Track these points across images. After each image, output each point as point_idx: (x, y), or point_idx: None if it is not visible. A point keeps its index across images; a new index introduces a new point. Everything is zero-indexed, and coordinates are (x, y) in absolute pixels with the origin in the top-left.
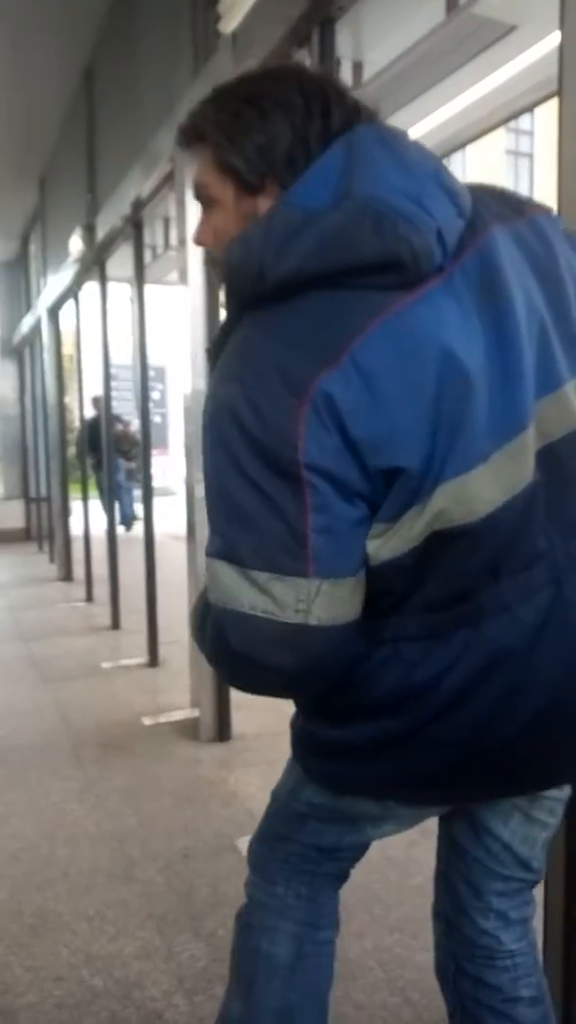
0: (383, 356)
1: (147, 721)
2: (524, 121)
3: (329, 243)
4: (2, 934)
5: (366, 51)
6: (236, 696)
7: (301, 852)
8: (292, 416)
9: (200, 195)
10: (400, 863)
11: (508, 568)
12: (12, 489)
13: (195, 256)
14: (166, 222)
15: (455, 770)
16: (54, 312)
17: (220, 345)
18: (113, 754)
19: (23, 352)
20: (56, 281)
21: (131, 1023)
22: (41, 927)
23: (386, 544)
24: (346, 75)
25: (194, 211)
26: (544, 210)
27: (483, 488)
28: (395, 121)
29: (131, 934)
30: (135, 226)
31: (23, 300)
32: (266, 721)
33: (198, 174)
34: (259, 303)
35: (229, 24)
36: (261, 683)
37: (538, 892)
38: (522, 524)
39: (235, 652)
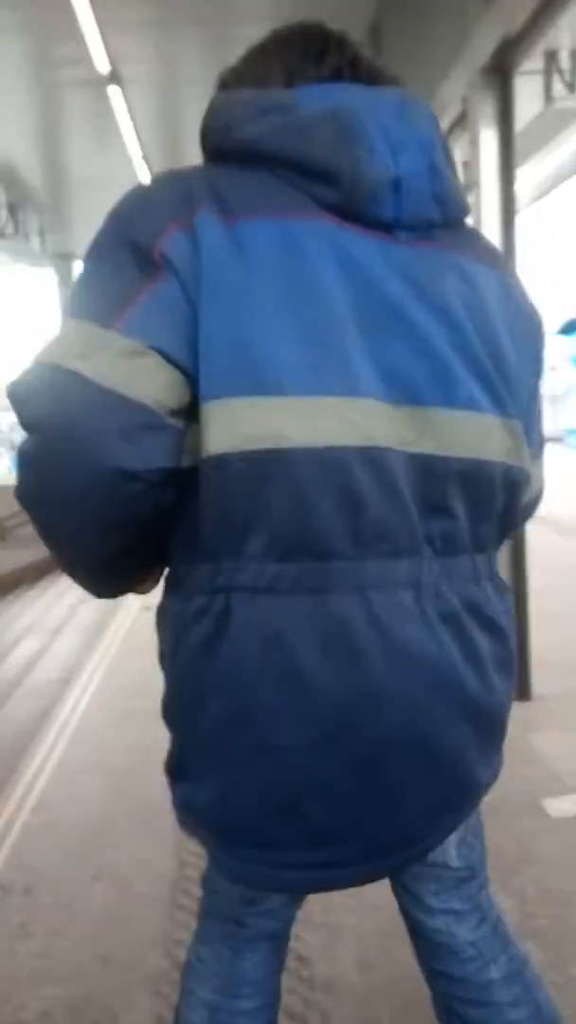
0: (267, 244)
1: None
2: None
3: (291, 129)
4: None
5: None
6: (536, 655)
7: (226, 899)
8: (167, 220)
9: None
10: None
11: (373, 546)
12: None
13: (490, 197)
14: None
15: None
16: None
17: None
18: None
19: None
20: None
21: None
22: None
23: (193, 438)
24: None
25: (488, 152)
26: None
27: (286, 421)
28: None
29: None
30: None
31: None
32: (570, 684)
33: None
34: (219, 160)
35: None
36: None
37: None
38: (381, 499)
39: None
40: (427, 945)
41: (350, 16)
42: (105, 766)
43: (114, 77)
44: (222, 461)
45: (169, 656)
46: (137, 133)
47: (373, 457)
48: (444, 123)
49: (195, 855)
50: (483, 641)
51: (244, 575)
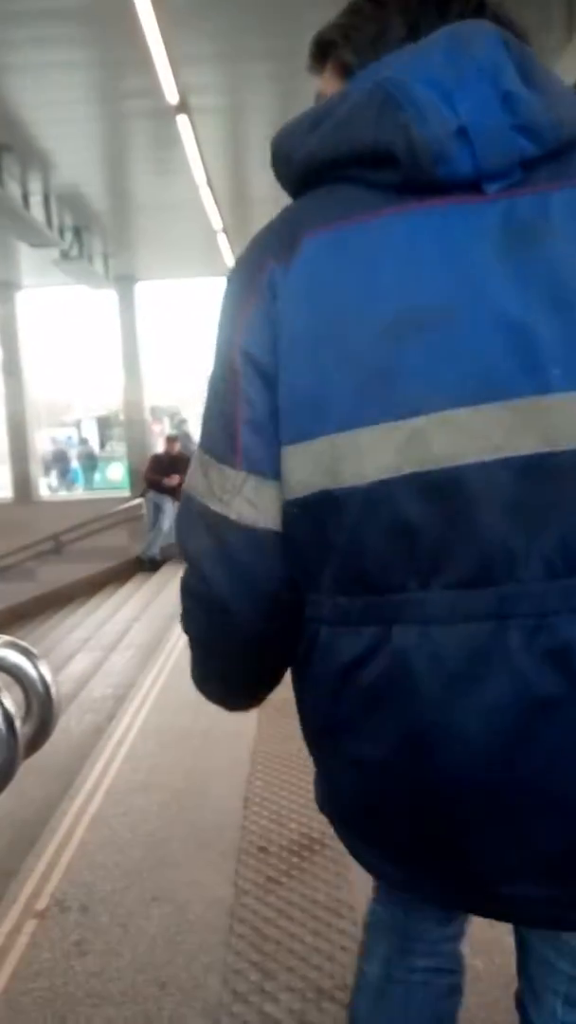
0: (335, 259)
1: None
2: None
3: (339, 126)
4: None
5: None
6: None
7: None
8: (246, 296)
9: None
10: None
11: (443, 575)
12: None
13: None
14: None
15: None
16: None
17: None
18: None
19: None
20: None
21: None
22: None
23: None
24: None
25: None
26: None
27: (328, 461)
28: None
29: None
30: None
31: None
32: None
33: (321, 91)
34: (297, 193)
35: None
36: (194, 600)
37: None
38: (436, 525)
39: (177, 532)
40: None
41: None
42: (160, 785)
43: (182, 107)
44: (289, 506)
45: None
46: (203, 160)
47: (426, 482)
48: None
49: (253, 883)
50: None
51: (321, 608)
